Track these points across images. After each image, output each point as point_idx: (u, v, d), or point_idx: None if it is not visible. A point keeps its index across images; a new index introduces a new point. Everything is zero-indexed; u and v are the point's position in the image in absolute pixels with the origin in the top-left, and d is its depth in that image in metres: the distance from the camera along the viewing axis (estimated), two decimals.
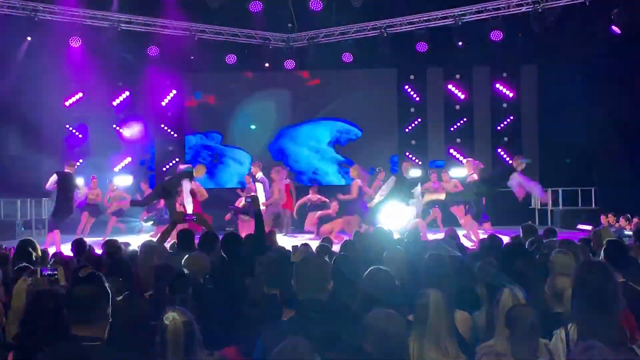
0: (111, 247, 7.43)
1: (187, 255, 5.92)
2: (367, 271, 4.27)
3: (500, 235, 8.06)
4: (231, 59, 20.60)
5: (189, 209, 13.03)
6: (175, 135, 21.83)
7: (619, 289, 4.58)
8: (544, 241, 7.69)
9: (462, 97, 21.86)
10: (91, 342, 3.21)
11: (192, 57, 20.30)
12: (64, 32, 18.53)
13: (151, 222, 17.12)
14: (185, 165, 14.65)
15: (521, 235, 8.23)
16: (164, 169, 21.36)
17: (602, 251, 5.82)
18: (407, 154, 21.76)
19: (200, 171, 13.78)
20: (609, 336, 3.67)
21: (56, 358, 3.22)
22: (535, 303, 4.36)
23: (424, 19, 19.57)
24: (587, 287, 4.12)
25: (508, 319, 3.84)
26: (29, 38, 18.75)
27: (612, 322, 4.04)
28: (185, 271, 5.34)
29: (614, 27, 17.12)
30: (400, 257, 5.67)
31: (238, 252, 6.68)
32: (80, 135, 21.11)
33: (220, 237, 6.89)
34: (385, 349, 3.17)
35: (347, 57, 20.57)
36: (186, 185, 13.07)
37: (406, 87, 22.05)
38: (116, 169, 20.92)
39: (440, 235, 10.99)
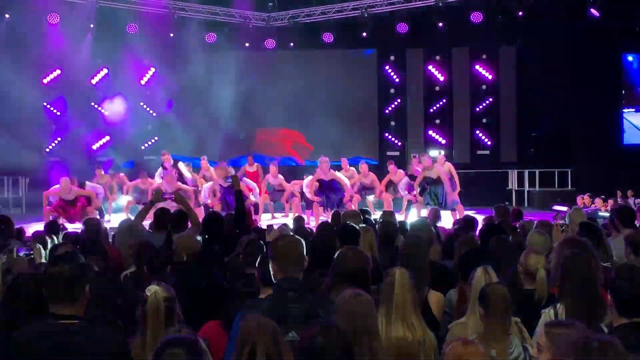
0: (90, 225, 7.41)
1: (177, 236, 5.94)
2: (339, 251, 4.31)
3: (475, 216, 8.20)
4: (211, 37, 20.47)
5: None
6: (155, 114, 21.59)
7: (600, 267, 4.69)
8: (519, 223, 7.81)
9: (442, 78, 21.88)
10: (70, 320, 3.23)
11: (171, 35, 20.14)
12: (42, 8, 18.29)
13: None
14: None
15: (494, 215, 8.33)
16: (143, 147, 21.24)
17: (575, 233, 5.95)
18: (387, 135, 21.82)
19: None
20: (597, 314, 3.80)
21: (34, 335, 3.22)
22: (507, 281, 4.43)
23: None
24: (577, 267, 4.16)
25: (481, 297, 3.85)
26: (7, 15, 18.52)
27: (598, 300, 4.12)
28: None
29: (592, 10, 17.24)
30: (372, 237, 5.74)
31: (219, 230, 6.72)
32: (58, 113, 20.83)
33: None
34: (355, 329, 3.24)
35: (328, 37, 20.52)
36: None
37: (386, 67, 22.05)
38: (94, 147, 20.81)
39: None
